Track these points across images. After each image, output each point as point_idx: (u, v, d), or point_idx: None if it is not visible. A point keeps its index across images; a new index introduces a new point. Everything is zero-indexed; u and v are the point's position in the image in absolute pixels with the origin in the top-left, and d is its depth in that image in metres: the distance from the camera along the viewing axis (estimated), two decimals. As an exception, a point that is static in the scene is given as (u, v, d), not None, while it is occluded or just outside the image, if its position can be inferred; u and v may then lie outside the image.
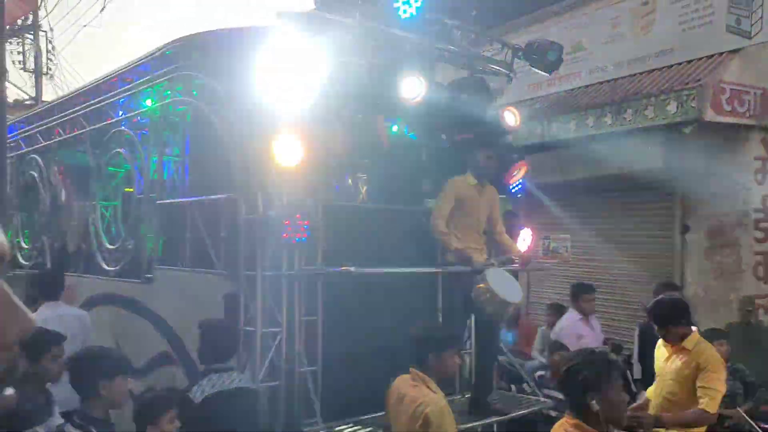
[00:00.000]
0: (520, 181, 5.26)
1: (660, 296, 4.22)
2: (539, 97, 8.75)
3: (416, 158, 5.75)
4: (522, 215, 8.88)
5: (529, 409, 4.93)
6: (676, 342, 3.97)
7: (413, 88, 4.20)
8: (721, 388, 3.79)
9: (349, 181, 6.59)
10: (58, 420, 3.32)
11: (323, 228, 4.27)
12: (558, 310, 7.30)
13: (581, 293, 5.99)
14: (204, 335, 3.78)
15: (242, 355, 4.01)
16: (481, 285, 4.27)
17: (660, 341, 4.18)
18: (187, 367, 4.46)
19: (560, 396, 4.94)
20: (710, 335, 5.25)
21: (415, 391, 3.16)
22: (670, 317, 3.96)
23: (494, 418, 4.66)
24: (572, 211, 8.89)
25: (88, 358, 3.16)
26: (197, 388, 3.51)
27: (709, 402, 3.70)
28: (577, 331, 5.78)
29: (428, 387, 3.18)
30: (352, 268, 3.94)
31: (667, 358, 4.06)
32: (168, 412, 3.18)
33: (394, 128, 5.66)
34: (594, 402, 2.40)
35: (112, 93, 5.76)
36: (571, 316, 5.99)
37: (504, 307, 4.27)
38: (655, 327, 4.04)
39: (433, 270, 4.60)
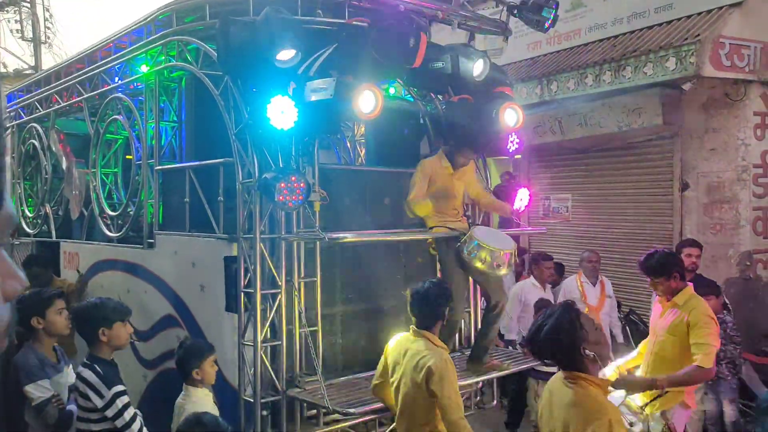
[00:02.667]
0: (517, 140, 5.25)
1: (653, 249, 4.19)
2: (539, 56, 8.66)
3: (414, 120, 5.76)
4: (521, 176, 8.93)
5: (526, 365, 5.03)
6: (667, 296, 4.00)
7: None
8: (715, 342, 3.79)
9: (347, 143, 6.65)
10: (70, 377, 3.48)
11: (320, 190, 4.32)
12: (558, 270, 7.38)
13: None
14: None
15: (243, 315, 4.10)
16: (470, 242, 4.30)
17: (657, 297, 4.23)
18: (191, 329, 4.58)
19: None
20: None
21: (417, 345, 3.28)
22: (661, 270, 3.96)
23: (493, 374, 4.77)
24: (572, 170, 8.91)
25: (88, 308, 3.40)
26: None
27: (704, 358, 3.71)
28: None
29: (431, 341, 3.29)
30: (349, 236, 4.00)
31: (661, 314, 4.09)
32: (210, 356, 3.64)
33: (391, 90, 5.66)
34: (587, 351, 2.56)
35: (107, 59, 5.76)
36: None
37: (498, 258, 4.29)
38: (649, 279, 4.05)
39: (423, 236, 4.61)
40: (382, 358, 3.50)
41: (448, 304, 3.47)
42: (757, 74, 6.73)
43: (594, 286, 6.43)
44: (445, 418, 3.14)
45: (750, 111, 6.84)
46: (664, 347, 4.00)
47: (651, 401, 3.87)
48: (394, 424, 3.54)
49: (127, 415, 3.24)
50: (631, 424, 3.49)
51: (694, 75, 6.40)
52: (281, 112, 3.74)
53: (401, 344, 3.38)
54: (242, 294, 4.10)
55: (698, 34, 6.41)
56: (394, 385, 3.34)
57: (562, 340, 2.58)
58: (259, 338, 4.01)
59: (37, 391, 3.36)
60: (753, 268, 6.94)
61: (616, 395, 3.63)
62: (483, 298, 5.12)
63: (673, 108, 7.21)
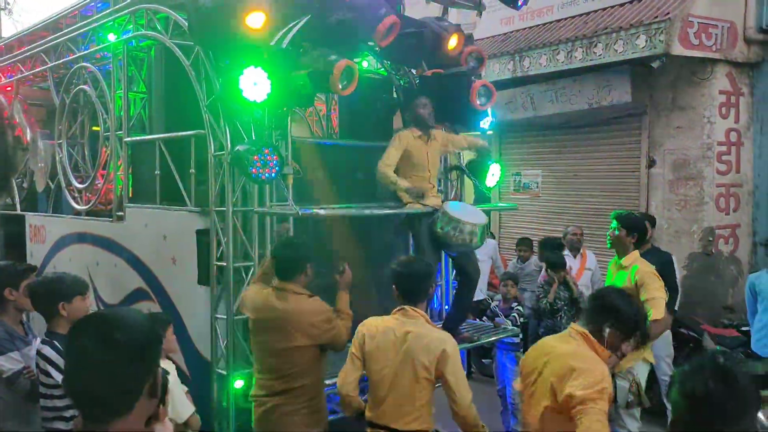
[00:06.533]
0: (490, 115, 5.28)
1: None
2: (511, 32, 8.67)
3: (387, 94, 5.74)
4: (492, 151, 8.99)
5: (497, 337, 5.15)
6: (623, 251, 4.48)
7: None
8: (662, 295, 4.26)
9: (320, 117, 6.61)
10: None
11: (293, 164, 4.30)
12: (529, 245, 7.51)
13: None
14: None
15: (216, 288, 4.09)
16: (443, 216, 4.33)
17: (609, 265, 4.69)
18: (163, 302, 4.56)
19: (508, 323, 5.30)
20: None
21: (418, 327, 3.13)
22: (635, 226, 4.55)
23: (466, 346, 4.85)
24: (543, 146, 8.99)
25: (47, 283, 3.35)
26: None
27: (655, 311, 4.13)
28: None
29: (428, 321, 3.22)
30: (322, 211, 3.98)
31: (612, 278, 4.51)
32: (170, 326, 3.56)
33: (364, 64, 5.62)
34: (608, 330, 2.73)
35: (73, 27, 5.60)
36: None
37: (471, 231, 4.32)
38: (624, 231, 4.53)
39: (397, 212, 4.58)
40: (357, 351, 3.21)
41: (432, 282, 3.44)
42: (724, 53, 6.85)
43: (575, 258, 6.71)
44: (457, 401, 3.03)
45: (716, 89, 6.98)
46: None
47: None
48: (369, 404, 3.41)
49: None
50: None
51: (663, 53, 6.49)
52: (254, 84, 3.70)
53: (391, 327, 3.16)
54: (215, 267, 4.09)
55: (668, 13, 6.48)
56: (386, 369, 3.12)
57: (614, 314, 2.75)
58: (232, 311, 4.02)
59: (8, 363, 3.34)
60: (715, 244, 7.15)
61: None
62: (455, 272, 5.18)
63: (642, 86, 7.32)
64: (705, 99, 7.02)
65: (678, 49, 6.48)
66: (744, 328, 6.02)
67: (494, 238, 8.50)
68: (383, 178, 4.52)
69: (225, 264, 4.02)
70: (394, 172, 4.52)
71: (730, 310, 6.91)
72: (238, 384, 4.07)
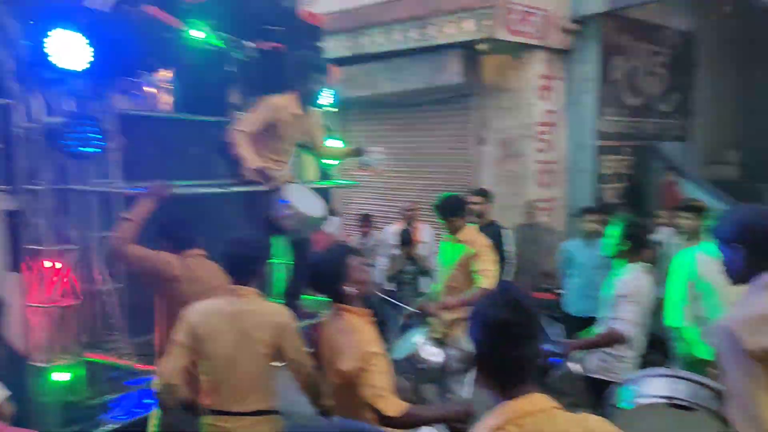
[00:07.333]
0: (333, 93, 5.29)
1: (447, 193, 4.90)
2: (350, 9, 8.72)
3: (224, 67, 5.51)
4: (335, 130, 9.03)
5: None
6: (455, 232, 4.61)
7: None
8: (494, 267, 4.49)
9: (153, 89, 6.19)
10: None
11: (119, 138, 4.00)
12: (368, 221, 7.71)
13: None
14: None
15: (29, 275, 3.72)
16: (282, 203, 4.22)
17: (444, 238, 4.84)
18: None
19: None
20: None
21: (251, 304, 3.06)
22: (452, 210, 4.60)
23: (309, 321, 4.86)
24: (384, 124, 9.22)
25: None
26: None
27: (485, 281, 4.36)
28: None
29: (263, 299, 3.17)
30: (144, 188, 3.74)
31: (449, 251, 4.70)
32: None
33: (201, 35, 5.34)
34: (348, 288, 2.80)
35: None
36: None
37: (306, 221, 4.26)
38: (441, 218, 4.64)
39: (233, 189, 4.41)
40: (184, 338, 3.02)
41: (267, 259, 3.42)
42: (541, 40, 7.45)
43: None
44: (300, 371, 3.03)
45: (535, 74, 7.58)
46: (455, 278, 4.63)
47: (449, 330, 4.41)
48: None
49: None
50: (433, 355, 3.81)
51: (489, 37, 6.91)
52: (67, 49, 3.37)
53: (221, 308, 3.06)
54: (26, 252, 3.72)
55: (494, -1, 6.91)
56: (222, 351, 3.00)
57: (328, 276, 2.83)
58: (49, 299, 3.69)
59: None
60: (535, 216, 7.83)
61: (418, 335, 3.93)
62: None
63: (473, 68, 7.74)
64: (526, 82, 7.61)
65: (502, 34, 6.94)
66: (559, 291, 6.69)
67: (337, 215, 8.59)
68: (236, 146, 4.23)
69: (40, 248, 3.67)
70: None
71: (549, 276, 7.63)
72: (63, 377, 3.76)
